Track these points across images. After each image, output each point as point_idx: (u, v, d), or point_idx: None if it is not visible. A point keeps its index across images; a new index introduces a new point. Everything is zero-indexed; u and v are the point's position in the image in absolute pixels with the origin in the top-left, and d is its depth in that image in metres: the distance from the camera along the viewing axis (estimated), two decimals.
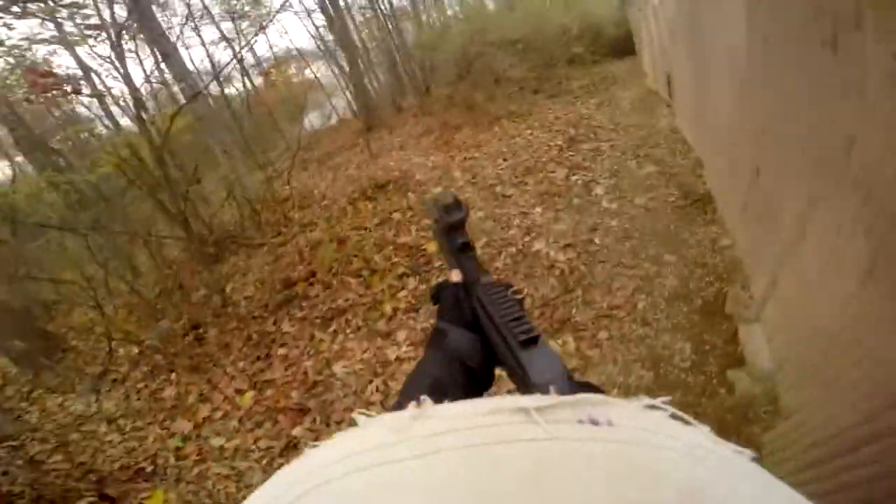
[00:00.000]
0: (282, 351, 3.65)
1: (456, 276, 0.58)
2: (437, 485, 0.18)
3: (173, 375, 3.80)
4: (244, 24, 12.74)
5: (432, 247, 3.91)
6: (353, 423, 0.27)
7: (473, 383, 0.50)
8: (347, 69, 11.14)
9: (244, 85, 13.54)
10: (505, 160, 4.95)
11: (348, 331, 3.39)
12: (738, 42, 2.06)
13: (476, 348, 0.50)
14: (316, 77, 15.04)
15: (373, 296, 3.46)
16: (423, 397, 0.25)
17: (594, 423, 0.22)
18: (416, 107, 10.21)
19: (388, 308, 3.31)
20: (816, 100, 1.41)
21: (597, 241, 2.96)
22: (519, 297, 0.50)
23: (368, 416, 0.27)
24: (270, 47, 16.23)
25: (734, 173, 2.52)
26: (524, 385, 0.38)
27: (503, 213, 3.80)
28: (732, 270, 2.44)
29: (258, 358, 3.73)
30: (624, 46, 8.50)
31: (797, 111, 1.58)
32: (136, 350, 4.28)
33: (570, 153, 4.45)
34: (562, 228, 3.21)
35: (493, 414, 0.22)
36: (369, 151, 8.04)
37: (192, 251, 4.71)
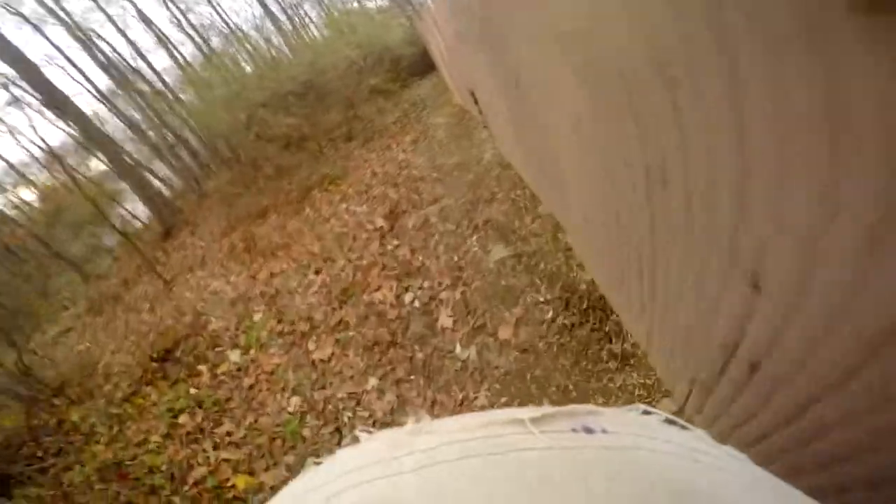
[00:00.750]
0: None
1: None
2: (438, 496, 0.18)
3: None
4: None
5: (241, 482, 2.33)
6: (355, 440, 0.26)
7: None
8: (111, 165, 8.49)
9: None
10: (317, 272, 3.42)
11: None
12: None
13: None
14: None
15: None
16: (420, 413, 0.26)
17: (588, 431, 0.21)
18: (219, 190, 8.07)
19: None
20: None
21: None
22: None
23: (369, 432, 0.26)
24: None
25: (621, 268, 1.36)
26: None
27: (325, 398, 2.27)
28: None
29: None
30: (425, 64, 7.55)
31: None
32: None
33: (395, 242, 3.09)
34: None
35: (490, 426, 0.22)
36: (162, 280, 5.86)
37: None
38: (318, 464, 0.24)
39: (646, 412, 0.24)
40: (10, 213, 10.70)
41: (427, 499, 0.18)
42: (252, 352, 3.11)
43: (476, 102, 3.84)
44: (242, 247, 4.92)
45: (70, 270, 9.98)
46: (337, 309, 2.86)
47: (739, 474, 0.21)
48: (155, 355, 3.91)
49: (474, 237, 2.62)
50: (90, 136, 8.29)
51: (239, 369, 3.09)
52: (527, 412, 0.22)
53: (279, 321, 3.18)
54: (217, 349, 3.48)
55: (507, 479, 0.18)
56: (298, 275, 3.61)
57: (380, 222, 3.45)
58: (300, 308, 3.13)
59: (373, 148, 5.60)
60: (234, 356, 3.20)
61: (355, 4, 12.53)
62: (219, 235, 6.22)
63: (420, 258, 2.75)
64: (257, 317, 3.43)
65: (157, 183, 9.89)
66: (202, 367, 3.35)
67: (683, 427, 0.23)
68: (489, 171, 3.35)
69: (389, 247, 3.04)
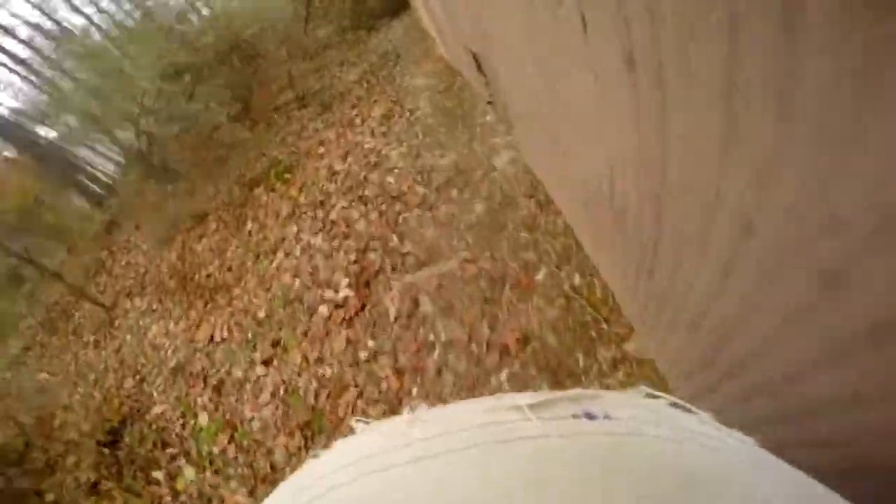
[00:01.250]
0: None
1: None
2: (439, 488, 0.17)
3: None
4: None
5: None
6: (350, 431, 0.24)
7: None
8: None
9: None
10: (266, 363, 2.32)
11: None
12: None
13: None
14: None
15: None
16: (416, 402, 0.25)
17: (590, 417, 0.20)
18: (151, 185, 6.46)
19: None
20: None
21: None
22: None
23: (365, 423, 0.24)
24: None
25: None
26: None
27: None
28: None
29: None
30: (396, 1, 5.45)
31: None
32: None
33: (370, 343, 1.92)
34: None
35: (489, 413, 0.20)
36: (106, 310, 4.71)
37: None
38: (315, 456, 0.22)
39: (650, 395, 0.23)
40: None
41: (426, 491, 0.17)
42: (208, 474, 2.18)
43: (479, 66, 2.41)
44: (178, 279, 3.73)
45: (26, 266, 8.64)
46: (302, 449, 1.85)
47: (745, 457, 0.20)
48: (102, 438, 3.08)
49: (503, 373, 1.50)
50: None
51: (200, 495, 2.19)
52: (526, 398, 0.20)
53: (230, 439, 2.19)
54: (167, 451, 2.57)
55: (508, 470, 0.17)
56: (244, 355, 2.53)
57: (344, 289, 2.27)
58: (253, 427, 2.12)
59: (331, 121, 4.09)
60: (190, 473, 2.31)
61: None
62: (161, 239, 4.94)
63: (413, 392, 1.65)
64: (203, 417, 2.45)
65: (93, 168, 8.08)
66: (157, 475, 2.49)
67: (688, 410, 0.22)
68: (512, 201, 2.08)
69: (363, 354, 1.91)
